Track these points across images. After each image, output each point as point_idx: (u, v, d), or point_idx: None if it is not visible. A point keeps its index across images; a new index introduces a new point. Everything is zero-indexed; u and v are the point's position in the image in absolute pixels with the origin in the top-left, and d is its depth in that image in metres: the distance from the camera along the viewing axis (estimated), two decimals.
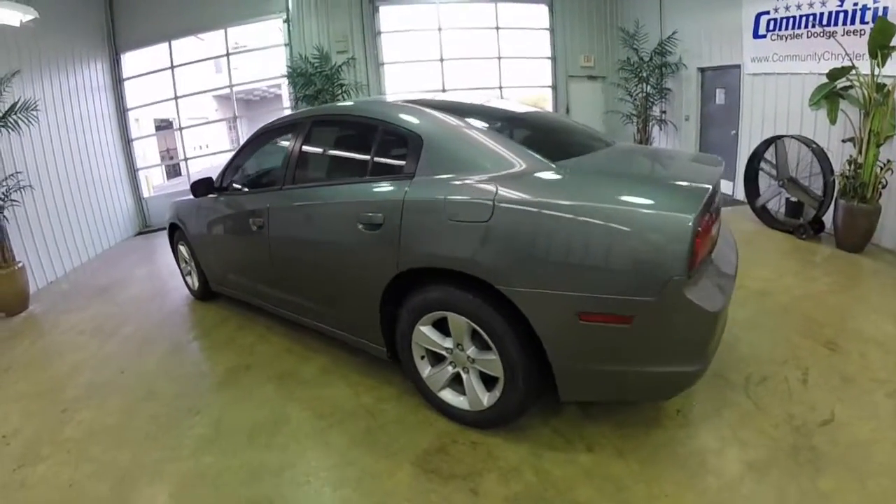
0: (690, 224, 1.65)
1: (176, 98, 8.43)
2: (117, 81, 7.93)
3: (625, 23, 8.31)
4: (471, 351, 2.16)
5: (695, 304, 1.71)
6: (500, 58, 8.96)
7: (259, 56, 8.56)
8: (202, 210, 3.91)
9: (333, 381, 2.94)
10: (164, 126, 11.11)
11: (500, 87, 9.09)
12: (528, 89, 10.00)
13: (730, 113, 6.52)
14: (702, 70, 7.07)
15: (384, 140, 2.51)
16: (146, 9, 7.79)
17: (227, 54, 8.20)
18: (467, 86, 8.92)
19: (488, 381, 2.20)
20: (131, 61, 8.08)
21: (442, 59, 8.77)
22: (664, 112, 7.91)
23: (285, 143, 3.13)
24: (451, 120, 2.39)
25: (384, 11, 8.45)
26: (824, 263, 4.45)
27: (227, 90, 8.68)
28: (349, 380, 2.93)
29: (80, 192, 6.93)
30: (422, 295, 2.23)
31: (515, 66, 9.28)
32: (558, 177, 2.02)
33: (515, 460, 2.13)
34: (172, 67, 8.12)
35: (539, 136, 2.70)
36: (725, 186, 6.88)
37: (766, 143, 5.38)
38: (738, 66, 6.11)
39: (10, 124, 4.86)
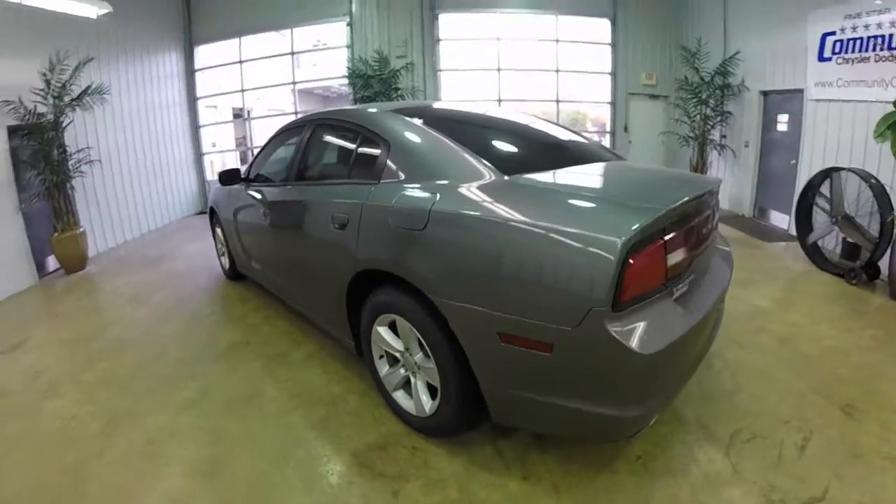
0: (617, 249, 1.48)
1: (243, 90, 9.01)
2: (190, 72, 8.60)
3: (687, 40, 7.97)
4: (418, 357, 2.15)
5: (619, 343, 1.51)
6: (558, 71, 8.87)
7: (336, 54, 8.85)
8: (230, 198, 4.20)
9: (313, 367, 3.06)
10: (239, 115, 11.87)
11: (557, 101, 8.99)
12: (586, 104, 9.84)
13: (792, 141, 6.10)
14: (764, 93, 6.65)
15: (362, 144, 2.60)
16: (220, 7, 8.43)
17: (293, 53, 8.67)
18: (523, 97, 8.90)
19: (433, 390, 2.16)
20: (204, 54, 8.73)
21: (499, 69, 8.80)
22: (724, 136, 7.51)
23: (293, 143, 3.34)
24: (418, 128, 2.41)
25: (444, 19, 8.61)
26: (869, 314, 4.03)
27: (303, 85, 9.17)
28: (327, 368, 3.04)
29: (146, 170, 7.58)
30: (377, 296, 2.29)
31: (574, 81, 9.14)
32: (499, 190, 1.92)
33: (446, 473, 2.08)
34: (241, 62, 8.70)
35: (512, 147, 2.61)
36: (780, 220, 6.44)
37: (823, 175, 4.99)
38: (802, 91, 5.71)
39: (83, 105, 5.43)
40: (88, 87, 5.46)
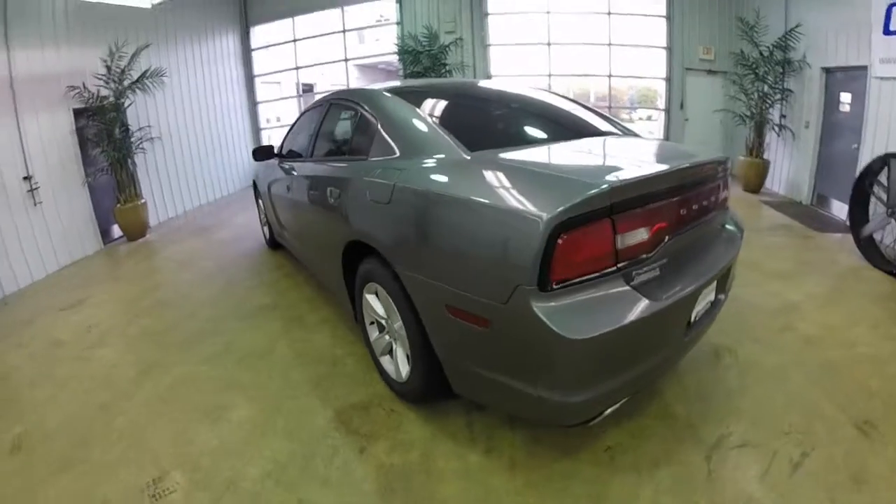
0: (541, 226, 1.44)
1: (297, 68, 9.35)
2: (247, 51, 9.03)
3: (745, 12, 7.40)
4: (397, 325, 2.22)
5: (545, 324, 1.45)
6: (610, 45, 8.54)
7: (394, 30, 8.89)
8: (266, 172, 4.49)
9: (324, 330, 3.27)
10: (307, 90, 12.31)
11: (609, 76, 8.67)
12: (640, 80, 9.42)
13: (855, 122, 5.59)
14: (826, 70, 6.09)
15: (359, 122, 2.73)
16: None
17: (344, 30, 8.87)
18: (574, 72, 8.67)
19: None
20: (260, 34, 9.11)
21: (549, 44, 8.59)
22: (783, 116, 6.99)
23: (314, 120, 3.52)
24: (404, 106, 2.47)
25: None
26: None
27: (360, 61, 9.40)
28: (336, 332, 3.24)
29: (205, 145, 8.10)
30: (364, 266, 2.41)
31: (627, 55, 8.78)
32: (457, 166, 1.95)
33: (415, 437, 2.16)
34: (295, 41, 9.01)
35: (492, 124, 2.57)
36: (839, 210, 5.96)
37: (882, 161, 4.57)
38: (866, 68, 5.21)
39: (143, 87, 5.92)
40: (146, 70, 5.92)
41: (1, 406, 2.72)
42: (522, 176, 1.76)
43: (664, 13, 8.27)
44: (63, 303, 4.19)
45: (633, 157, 2.16)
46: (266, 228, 5.24)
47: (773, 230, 5.33)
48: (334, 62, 9.29)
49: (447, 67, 8.15)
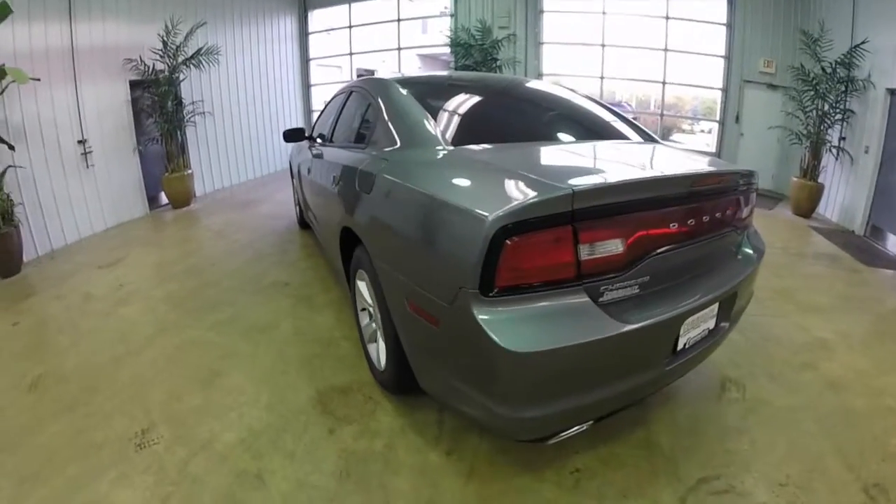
0: (485, 226, 1.36)
1: (351, 54, 9.55)
2: (303, 34, 9.29)
3: (809, 24, 6.95)
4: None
5: (483, 331, 1.37)
6: (666, 50, 8.25)
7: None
8: (298, 152, 4.67)
9: (328, 312, 3.38)
10: (364, 74, 12.60)
11: (664, 83, 8.39)
12: (703, 90, 9.06)
13: None
14: (892, 92, 5.65)
15: (367, 111, 2.78)
16: None
17: (398, 20, 8.99)
18: (627, 76, 8.44)
19: None
20: (317, 18, 9.36)
21: (603, 45, 8.40)
22: (843, 139, 6.55)
23: (337, 105, 3.63)
24: (404, 98, 2.46)
25: None
26: None
27: (412, 51, 9.53)
28: (340, 315, 3.34)
29: (255, 123, 8.43)
30: (355, 253, 2.47)
31: (685, 62, 8.46)
32: (433, 159, 1.95)
33: (384, 426, 2.18)
34: (350, 27, 9.22)
35: (485, 120, 2.49)
36: (893, 244, 5.56)
37: None
38: None
39: (197, 63, 6.23)
40: (201, 48, 6.23)
41: (31, 349, 2.99)
42: (485, 174, 1.71)
43: (724, 20, 7.89)
44: (102, 261, 4.51)
45: (624, 163, 2.02)
46: (297, 208, 5.44)
47: (816, 258, 5.03)
48: (388, 50, 9.43)
49: (497, 63, 8.12)
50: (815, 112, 6.54)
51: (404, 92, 2.53)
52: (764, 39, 7.71)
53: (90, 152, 5.36)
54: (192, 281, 4.01)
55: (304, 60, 9.61)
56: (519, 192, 1.44)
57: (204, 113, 6.90)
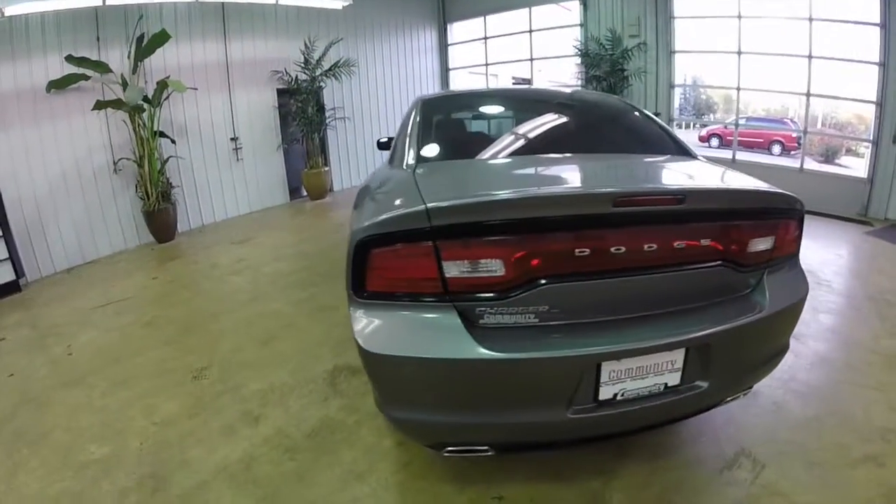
0: (355, 236, 1.49)
1: (486, 64, 9.99)
2: (443, 46, 9.96)
3: None
4: None
5: (352, 327, 1.51)
6: (810, 57, 7.10)
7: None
8: None
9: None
10: (520, 82, 13.02)
11: (808, 94, 7.28)
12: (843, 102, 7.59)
13: None
14: None
15: (402, 128, 2.82)
16: None
17: (530, 30, 9.15)
18: (766, 86, 7.48)
19: None
20: (457, 30, 9.96)
21: (739, 52, 7.58)
22: None
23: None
24: (410, 115, 2.53)
25: None
26: None
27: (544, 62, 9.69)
28: None
29: (391, 128, 9.31)
30: None
31: (831, 69, 7.17)
32: (387, 176, 2.12)
33: (364, 406, 2.40)
34: (486, 38, 9.65)
35: (477, 136, 2.56)
36: None
37: None
38: None
39: (335, 75, 7.23)
40: (337, 61, 7.18)
41: (158, 298, 3.98)
42: (396, 190, 1.80)
43: (878, 20, 6.49)
44: (235, 238, 5.60)
45: (573, 177, 1.95)
46: None
47: None
48: (520, 61, 9.65)
49: (625, 73, 7.83)
50: None
51: (418, 110, 2.58)
52: None
53: (240, 148, 6.63)
54: (296, 263, 4.74)
55: (444, 70, 10.29)
56: (390, 208, 1.49)
57: (343, 118, 7.91)
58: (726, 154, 7.77)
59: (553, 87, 8.36)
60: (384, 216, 1.44)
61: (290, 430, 2.29)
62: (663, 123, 2.53)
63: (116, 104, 5.01)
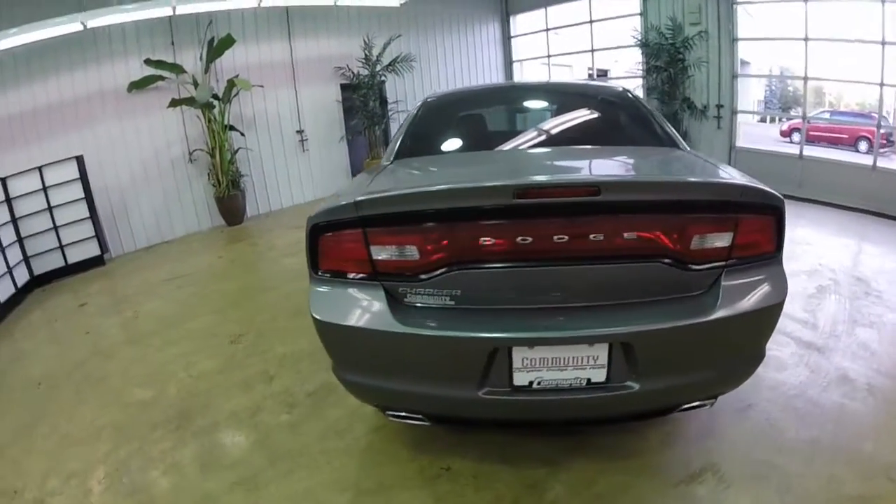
0: (308, 224, 1.66)
1: (549, 56, 9.89)
2: (506, 38, 9.97)
3: None
4: None
5: (310, 300, 1.71)
6: (883, 43, 6.26)
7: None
8: None
9: None
10: (601, 74, 12.80)
11: (881, 84, 6.45)
12: None
13: None
14: None
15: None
16: None
17: (591, 21, 8.93)
18: (835, 76, 6.72)
19: None
20: (520, 22, 9.91)
21: (806, 39, 6.89)
22: None
23: None
24: (416, 111, 2.63)
25: None
26: None
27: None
28: None
29: None
30: None
31: None
32: (367, 173, 2.26)
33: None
34: (547, 30, 9.53)
35: (460, 131, 2.61)
36: None
37: None
38: None
39: (394, 70, 7.57)
40: (397, 57, 7.50)
41: (220, 273, 4.60)
42: (357, 182, 2.06)
43: None
44: (295, 224, 6.08)
45: (503, 171, 1.99)
46: None
47: None
48: (580, 52, 9.46)
49: (683, 63, 7.42)
50: None
51: (416, 109, 2.68)
52: None
53: (306, 140, 7.20)
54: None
55: (508, 63, 10.30)
56: (340, 199, 1.68)
57: (405, 111, 8.20)
58: (795, 150, 7.10)
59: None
60: (327, 206, 1.66)
61: (294, 389, 2.64)
62: (658, 115, 2.49)
63: (189, 102, 5.67)
